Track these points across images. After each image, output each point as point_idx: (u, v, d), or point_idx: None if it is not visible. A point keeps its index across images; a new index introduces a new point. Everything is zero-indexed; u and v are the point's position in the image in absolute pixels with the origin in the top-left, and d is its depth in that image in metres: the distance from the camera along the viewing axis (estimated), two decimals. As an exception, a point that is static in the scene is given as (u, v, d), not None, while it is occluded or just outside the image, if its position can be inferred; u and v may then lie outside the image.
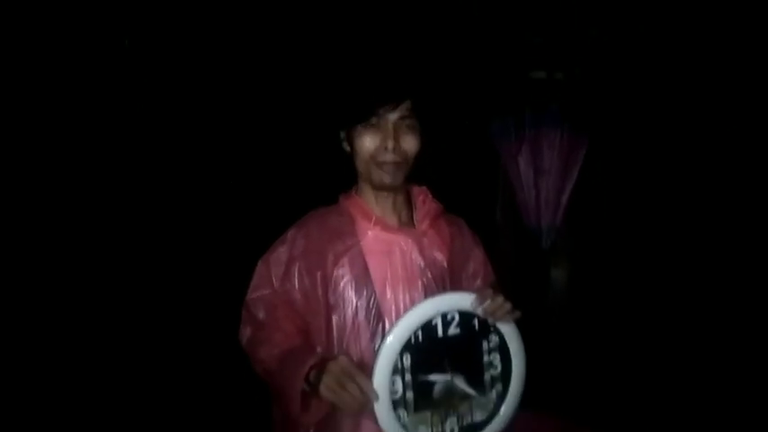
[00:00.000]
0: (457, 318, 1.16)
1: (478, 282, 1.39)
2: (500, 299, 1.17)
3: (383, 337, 1.14)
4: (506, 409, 1.20)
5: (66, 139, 2.99)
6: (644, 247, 3.37)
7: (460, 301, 1.16)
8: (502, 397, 1.20)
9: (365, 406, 1.07)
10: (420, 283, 1.28)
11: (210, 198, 3.30)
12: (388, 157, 1.24)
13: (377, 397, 1.08)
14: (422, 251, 1.31)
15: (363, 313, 1.25)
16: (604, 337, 3.22)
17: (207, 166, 3.31)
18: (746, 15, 2.95)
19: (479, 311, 1.16)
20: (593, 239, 3.42)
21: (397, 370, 1.11)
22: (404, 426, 1.11)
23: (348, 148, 1.32)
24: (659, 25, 3.14)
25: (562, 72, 3.43)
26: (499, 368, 1.20)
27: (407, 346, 1.11)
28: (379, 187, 1.30)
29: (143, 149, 3.20)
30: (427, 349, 1.13)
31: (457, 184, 3.05)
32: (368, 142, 1.25)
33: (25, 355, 2.80)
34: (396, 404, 1.10)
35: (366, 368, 1.12)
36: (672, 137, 3.39)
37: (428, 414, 1.13)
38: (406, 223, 1.35)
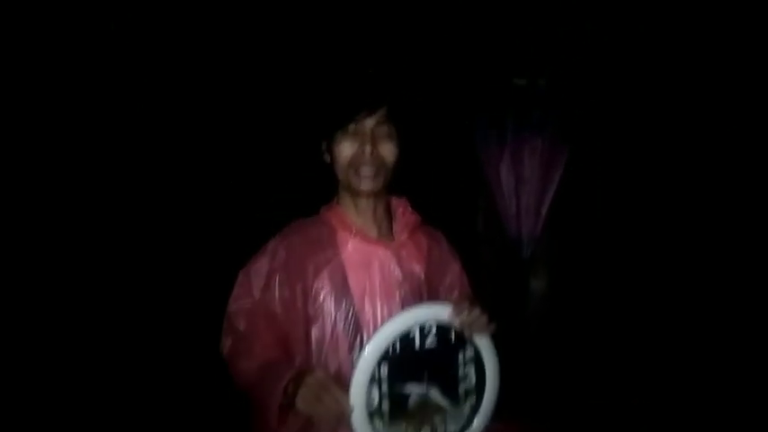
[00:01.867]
0: (434, 330, 1.22)
1: (455, 294, 1.46)
2: (477, 311, 1.24)
3: (361, 347, 1.20)
4: (479, 422, 1.27)
5: (49, 143, 3.01)
6: (625, 257, 3.47)
7: (438, 312, 1.23)
8: (475, 409, 1.27)
9: (341, 418, 1.14)
10: (398, 294, 1.35)
11: (192, 208, 3.34)
12: (366, 161, 1.30)
13: (352, 409, 1.13)
14: (400, 263, 1.37)
15: (342, 325, 1.31)
16: (582, 347, 3.31)
17: (190, 177, 3.34)
18: (726, 31, 3.08)
19: (456, 323, 1.23)
20: (574, 249, 3.50)
21: (374, 380, 1.17)
22: None
23: (329, 159, 1.38)
24: (642, 34, 3.25)
25: (544, 79, 3.51)
26: (473, 381, 1.27)
27: (385, 357, 1.17)
28: (357, 193, 1.36)
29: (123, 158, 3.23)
30: (404, 360, 1.19)
31: (438, 192, 3.13)
32: (346, 149, 1.32)
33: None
34: (372, 414, 1.17)
35: (344, 379, 1.19)
36: (653, 146, 3.49)
37: (402, 425, 1.20)
38: (386, 234, 1.41)
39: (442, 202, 2.66)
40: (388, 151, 1.33)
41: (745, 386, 2.89)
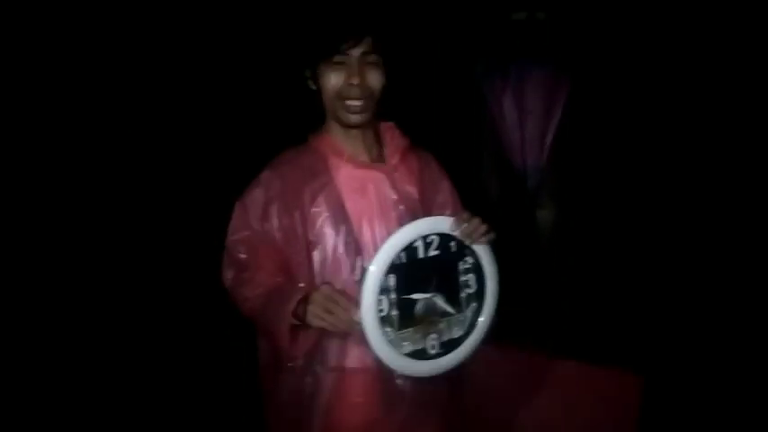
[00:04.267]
0: (436, 240, 1.32)
1: (448, 211, 1.53)
2: (476, 221, 1.34)
3: (363, 267, 1.30)
4: (482, 324, 1.39)
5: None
6: (629, 186, 3.54)
7: (439, 224, 1.33)
8: (477, 313, 1.39)
9: (354, 326, 1.24)
10: (394, 216, 1.43)
11: (177, 144, 3.42)
12: (354, 92, 1.36)
13: (362, 313, 1.23)
14: (394, 185, 1.45)
15: (342, 248, 1.40)
16: (589, 274, 3.42)
17: (174, 112, 3.41)
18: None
19: (457, 233, 1.32)
20: (579, 179, 3.57)
21: (384, 290, 1.27)
22: (390, 342, 1.28)
23: (314, 87, 1.44)
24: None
25: (544, 12, 3.52)
26: (474, 287, 1.38)
27: (392, 267, 1.27)
28: (346, 126, 1.43)
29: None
30: (410, 270, 1.29)
31: (441, 128, 3.20)
32: (333, 79, 1.37)
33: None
34: (382, 321, 1.27)
35: (348, 298, 1.28)
36: (656, 74, 3.52)
37: (411, 331, 1.31)
38: (377, 159, 1.49)
39: (446, 136, 2.72)
40: (376, 80, 1.37)
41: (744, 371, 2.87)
